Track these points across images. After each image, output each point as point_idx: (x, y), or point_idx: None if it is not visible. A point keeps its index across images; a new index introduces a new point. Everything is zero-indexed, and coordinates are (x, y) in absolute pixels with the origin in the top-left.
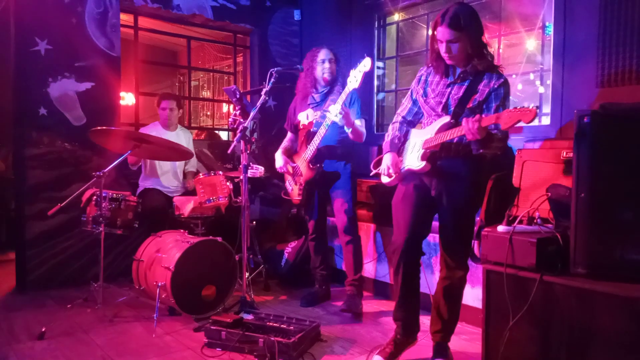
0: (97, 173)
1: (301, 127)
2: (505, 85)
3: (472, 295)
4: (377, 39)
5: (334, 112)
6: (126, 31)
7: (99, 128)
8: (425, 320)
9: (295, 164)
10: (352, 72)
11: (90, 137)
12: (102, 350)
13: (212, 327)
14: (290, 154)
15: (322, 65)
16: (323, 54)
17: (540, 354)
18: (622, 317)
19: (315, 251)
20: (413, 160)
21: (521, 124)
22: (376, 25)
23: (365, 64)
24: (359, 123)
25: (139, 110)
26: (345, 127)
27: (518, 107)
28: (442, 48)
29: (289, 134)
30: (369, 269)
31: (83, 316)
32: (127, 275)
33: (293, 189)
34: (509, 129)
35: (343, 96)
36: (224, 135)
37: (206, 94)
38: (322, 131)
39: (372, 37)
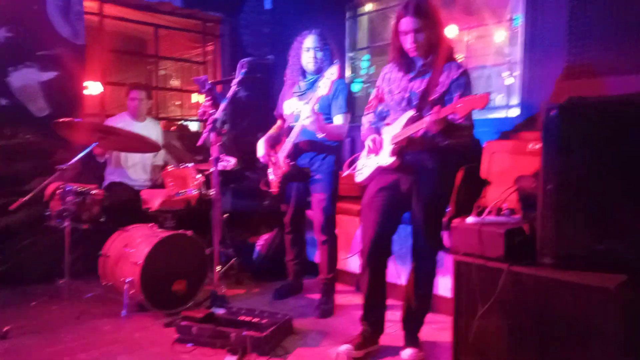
0: (61, 166)
1: (284, 117)
2: (465, 74)
3: (442, 285)
4: (349, 30)
5: (303, 115)
6: (92, 18)
7: (63, 120)
8: (396, 311)
9: (276, 155)
10: (321, 81)
11: (55, 129)
12: (69, 348)
13: (182, 323)
14: (275, 142)
15: (307, 53)
16: (309, 42)
17: (508, 342)
18: (587, 306)
19: (291, 244)
20: (383, 156)
21: (476, 110)
22: (347, 16)
23: (333, 72)
24: (341, 120)
25: (106, 100)
26: (317, 133)
27: (472, 94)
28: (409, 39)
29: (278, 121)
30: (353, 262)
31: (49, 314)
32: (94, 270)
33: (273, 180)
34: (466, 117)
35: (314, 100)
36: (193, 126)
37: (175, 82)
38: (297, 128)
39: (343, 27)
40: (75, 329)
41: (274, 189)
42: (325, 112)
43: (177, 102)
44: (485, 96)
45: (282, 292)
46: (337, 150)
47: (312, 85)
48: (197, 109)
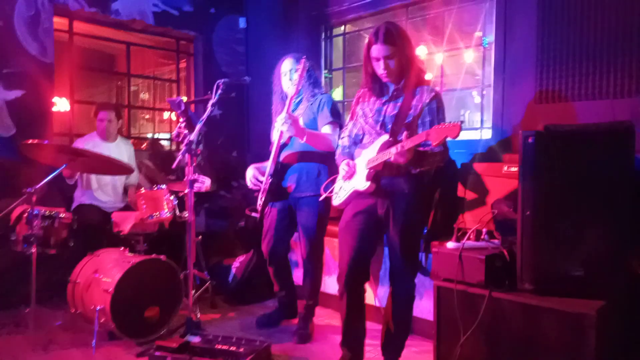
0: (28, 189)
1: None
2: (437, 98)
3: (421, 308)
4: (324, 50)
5: (279, 121)
6: (61, 35)
7: (30, 142)
8: (377, 333)
9: (263, 179)
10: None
11: (21, 150)
12: None
13: (156, 353)
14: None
15: (284, 77)
16: (285, 66)
17: None
18: (567, 332)
19: (275, 276)
20: (359, 180)
21: (450, 139)
22: (323, 37)
23: (299, 66)
24: (329, 130)
25: (75, 118)
26: (299, 139)
27: (444, 123)
28: (380, 65)
29: None
30: (333, 284)
31: (13, 343)
32: (62, 296)
33: (260, 205)
34: (439, 145)
35: (287, 101)
36: (165, 141)
37: (145, 96)
38: (275, 136)
39: (318, 47)
40: (41, 359)
41: (259, 214)
42: (311, 127)
43: (147, 116)
44: (457, 125)
45: (267, 321)
46: (329, 168)
47: (296, 106)
48: (168, 124)
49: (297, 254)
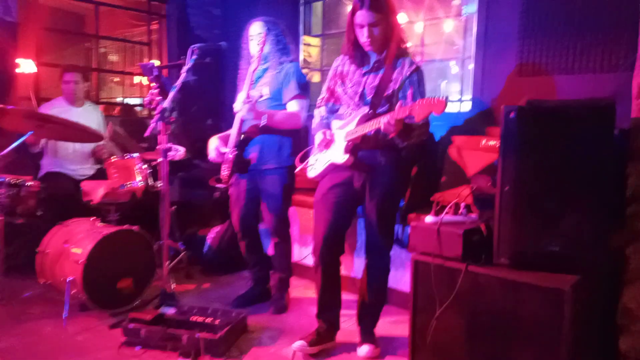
0: None
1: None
2: (418, 71)
3: (396, 278)
4: (303, 15)
5: (237, 104)
6: None
7: None
8: (352, 304)
9: (226, 150)
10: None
11: None
12: (7, 354)
13: (130, 325)
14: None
15: (252, 42)
16: (252, 29)
17: (465, 342)
18: (542, 306)
19: (247, 252)
20: (336, 153)
21: (433, 115)
22: (302, 1)
23: (260, 40)
24: (295, 106)
25: (41, 81)
26: (258, 122)
27: (429, 98)
28: (364, 33)
29: None
30: (309, 256)
31: None
32: (31, 266)
33: (225, 176)
34: (424, 120)
35: (247, 82)
36: (135, 106)
37: (114, 58)
38: (237, 117)
39: (297, 13)
40: (12, 332)
41: (225, 184)
42: (276, 99)
43: (116, 79)
44: (442, 102)
45: (243, 301)
46: (293, 140)
47: (263, 73)
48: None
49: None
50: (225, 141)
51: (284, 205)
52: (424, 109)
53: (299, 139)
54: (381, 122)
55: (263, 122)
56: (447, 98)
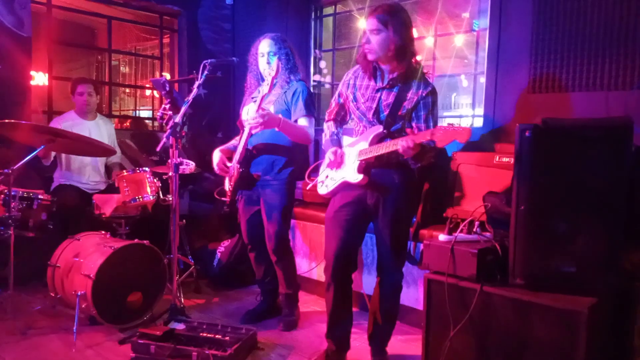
0: (5, 170)
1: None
2: (433, 94)
3: (408, 296)
4: (314, 30)
5: (250, 117)
6: (39, 7)
7: (7, 121)
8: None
9: (231, 164)
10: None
11: None
12: None
13: (140, 341)
14: (233, 152)
15: (262, 59)
16: (262, 46)
17: None
18: (556, 328)
19: (255, 263)
20: (350, 172)
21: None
22: (313, 16)
23: (272, 69)
24: (305, 123)
25: (54, 94)
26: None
27: (453, 125)
28: (364, 39)
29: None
30: (318, 270)
31: None
32: (41, 279)
33: (229, 190)
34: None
35: (258, 100)
36: (146, 119)
37: (125, 70)
38: (246, 130)
39: (308, 27)
40: (20, 346)
41: (227, 198)
42: (283, 116)
43: (127, 90)
44: (468, 130)
45: (253, 316)
46: (298, 159)
47: (271, 90)
48: (150, 99)
49: None
50: (227, 153)
51: (283, 224)
52: (448, 136)
53: (300, 160)
54: (399, 144)
55: (282, 124)
56: (471, 128)
